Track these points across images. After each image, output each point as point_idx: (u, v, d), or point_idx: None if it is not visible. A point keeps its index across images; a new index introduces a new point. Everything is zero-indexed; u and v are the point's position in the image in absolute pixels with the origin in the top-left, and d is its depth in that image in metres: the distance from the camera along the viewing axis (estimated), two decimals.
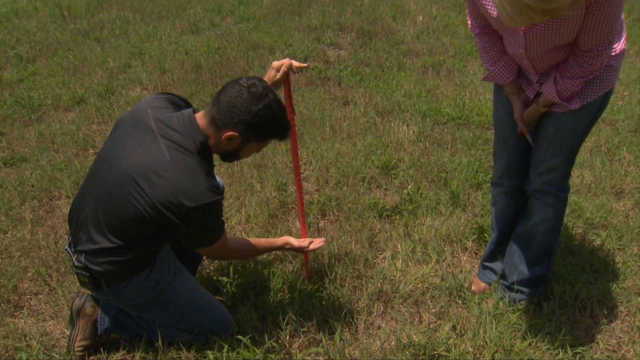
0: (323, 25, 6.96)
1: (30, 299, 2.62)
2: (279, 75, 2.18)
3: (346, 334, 2.31)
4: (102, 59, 5.90)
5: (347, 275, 2.62)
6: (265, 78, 2.18)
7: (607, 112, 4.43)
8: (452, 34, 6.65)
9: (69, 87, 5.18)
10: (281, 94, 2.15)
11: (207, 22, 7.33)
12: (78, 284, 2.52)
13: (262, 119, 1.92)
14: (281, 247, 2.36)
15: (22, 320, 2.46)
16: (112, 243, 1.93)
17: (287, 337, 2.29)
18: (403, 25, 7.04)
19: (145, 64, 5.78)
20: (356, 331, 2.35)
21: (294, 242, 2.35)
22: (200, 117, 1.96)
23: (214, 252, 2.07)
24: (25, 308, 2.54)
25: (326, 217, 3.19)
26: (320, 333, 2.30)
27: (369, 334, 2.35)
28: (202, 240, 1.98)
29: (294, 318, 2.34)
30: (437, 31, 6.80)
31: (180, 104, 2.10)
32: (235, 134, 1.93)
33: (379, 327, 2.38)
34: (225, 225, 2.24)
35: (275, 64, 2.19)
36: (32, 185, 3.55)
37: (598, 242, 2.90)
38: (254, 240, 2.27)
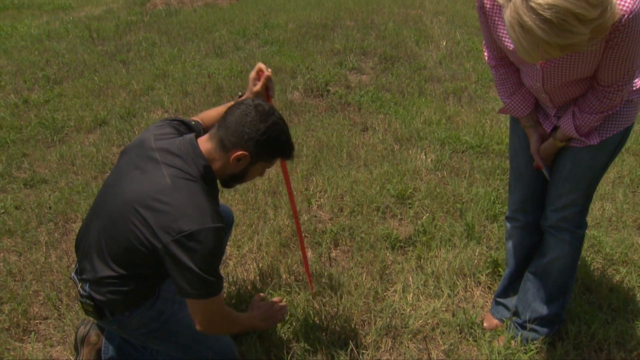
0: (346, 50, 6.97)
1: (39, 323, 2.63)
2: (258, 86, 2.20)
3: None
4: (126, 81, 6.00)
5: (355, 310, 2.57)
6: (247, 92, 2.23)
7: (632, 142, 4.31)
8: (476, 59, 6.60)
9: (92, 109, 5.27)
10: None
11: (232, 45, 7.41)
12: None
13: (272, 135, 1.92)
14: (252, 325, 2.28)
15: (30, 345, 2.47)
16: (114, 272, 1.91)
17: None
18: (426, 50, 7.02)
19: (168, 87, 5.85)
20: None
21: (261, 321, 2.30)
22: (204, 142, 1.95)
23: (209, 311, 1.92)
24: (33, 333, 2.54)
25: (338, 247, 3.15)
26: None
27: None
28: (199, 287, 1.83)
29: (299, 353, 2.30)
30: (460, 56, 6.76)
31: (183, 129, 2.10)
32: (246, 153, 1.91)
33: None
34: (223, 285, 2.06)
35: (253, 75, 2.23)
36: (50, 208, 3.59)
37: (617, 279, 2.80)
38: (237, 313, 2.23)
